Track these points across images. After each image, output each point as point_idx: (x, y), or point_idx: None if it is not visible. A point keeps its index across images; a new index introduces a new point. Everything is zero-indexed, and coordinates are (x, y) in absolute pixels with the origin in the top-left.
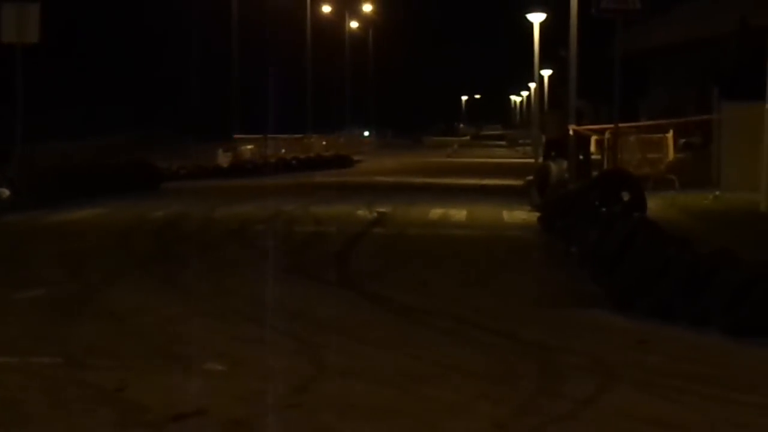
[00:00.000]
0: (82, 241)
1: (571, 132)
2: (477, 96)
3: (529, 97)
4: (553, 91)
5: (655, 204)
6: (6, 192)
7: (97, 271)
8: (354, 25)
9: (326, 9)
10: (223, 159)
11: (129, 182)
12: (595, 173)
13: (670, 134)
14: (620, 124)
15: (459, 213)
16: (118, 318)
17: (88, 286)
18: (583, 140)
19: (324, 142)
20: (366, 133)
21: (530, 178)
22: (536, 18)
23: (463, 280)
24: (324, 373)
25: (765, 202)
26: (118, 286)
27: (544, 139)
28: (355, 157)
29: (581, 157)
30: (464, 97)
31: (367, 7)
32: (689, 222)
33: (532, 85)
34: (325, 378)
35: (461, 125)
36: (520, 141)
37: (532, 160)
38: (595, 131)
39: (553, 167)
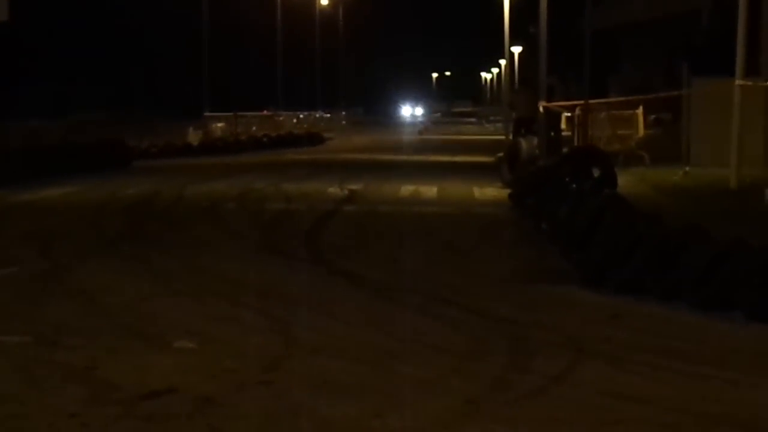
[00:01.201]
0: (51, 220)
1: (541, 109)
2: (447, 73)
3: (499, 74)
4: (523, 67)
5: (625, 180)
6: None
7: (66, 250)
8: (324, 1)
9: None
10: (194, 137)
11: (99, 161)
12: (565, 150)
13: (640, 110)
14: (590, 101)
15: (430, 190)
16: (89, 297)
17: (58, 265)
18: (553, 117)
19: (295, 120)
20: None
21: (501, 154)
22: None
23: (433, 257)
24: (295, 351)
25: (734, 178)
26: (88, 265)
27: (514, 116)
28: (326, 135)
29: (552, 133)
30: (435, 75)
31: None
32: (659, 198)
33: (503, 62)
34: (296, 355)
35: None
36: (491, 118)
37: (502, 137)
38: (565, 108)
39: (524, 144)
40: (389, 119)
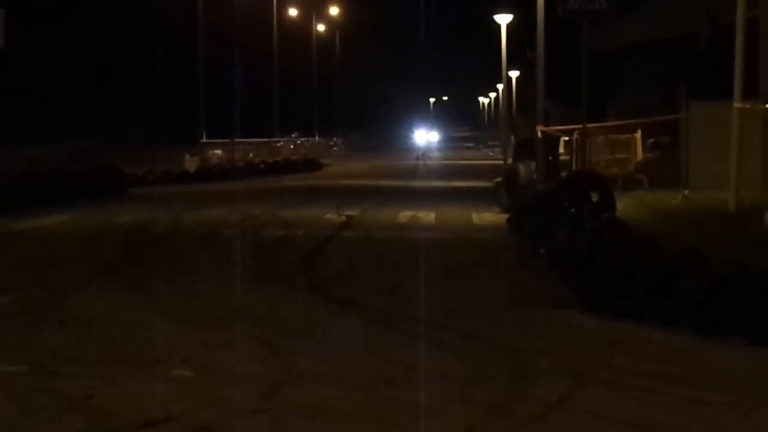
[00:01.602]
0: (48, 248)
1: (539, 133)
2: (445, 98)
3: (497, 98)
4: (521, 92)
5: (624, 204)
6: None
7: (63, 278)
8: (321, 28)
9: (293, 12)
10: (191, 164)
11: (96, 188)
12: (563, 174)
13: (638, 134)
14: (588, 125)
15: (428, 215)
16: (85, 325)
17: (55, 293)
18: (551, 141)
19: (292, 146)
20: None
21: (499, 179)
22: (503, 19)
23: (432, 283)
24: (293, 378)
25: (733, 202)
26: (85, 293)
27: (514, 141)
28: (324, 161)
29: (550, 158)
30: (432, 99)
31: (334, 10)
32: (658, 222)
33: (500, 87)
34: (294, 383)
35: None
36: (489, 142)
37: (501, 162)
38: (563, 132)
39: (522, 168)
40: (387, 145)
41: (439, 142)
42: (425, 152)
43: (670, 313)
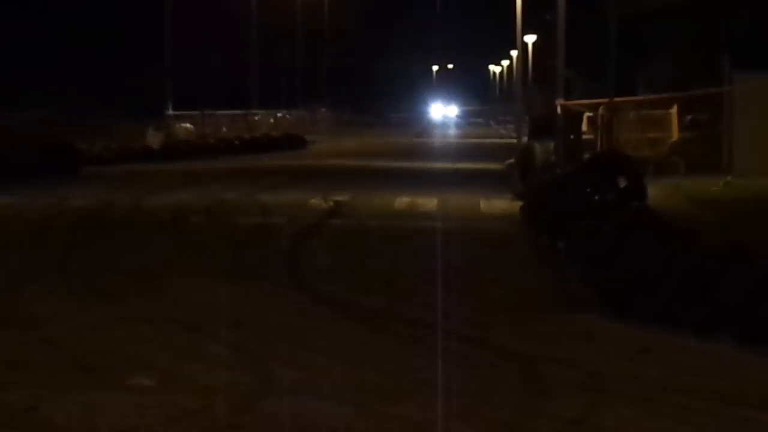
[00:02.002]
0: None
1: (558, 108)
2: (450, 66)
3: (510, 67)
4: (539, 60)
5: (656, 191)
6: None
7: (5, 271)
8: None
9: None
10: (154, 139)
11: (44, 166)
12: (586, 156)
13: (674, 110)
14: (616, 99)
15: (429, 202)
16: (30, 326)
17: None
18: (573, 117)
19: (272, 120)
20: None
21: (511, 161)
22: None
23: (432, 281)
24: (271, 390)
25: None
26: (30, 289)
27: (528, 117)
28: (309, 137)
29: (571, 136)
30: (435, 67)
31: None
32: (696, 212)
33: (514, 53)
34: (271, 395)
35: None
36: (500, 118)
37: (514, 140)
38: (587, 107)
39: (538, 149)
40: (382, 119)
41: (458, 116)
42: (426, 129)
43: (709, 318)
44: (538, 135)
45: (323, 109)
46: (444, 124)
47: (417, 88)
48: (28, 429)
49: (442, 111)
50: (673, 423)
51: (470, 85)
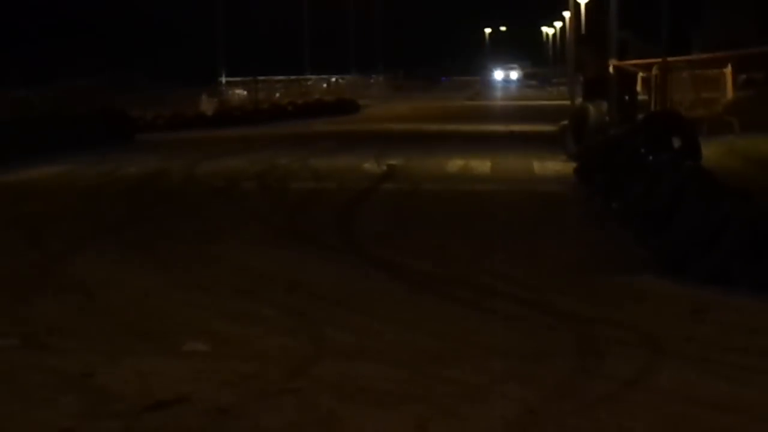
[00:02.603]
0: (42, 204)
1: (611, 68)
2: (502, 28)
3: (563, 28)
4: (592, 21)
5: (711, 151)
6: None
7: (60, 239)
8: None
9: None
10: (208, 106)
11: (97, 134)
12: (640, 116)
13: (728, 69)
14: (670, 59)
15: (482, 165)
16: (85, 292)
17: (50, 256)
18: (627, 78)
19: (325, 85)
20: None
21: (565, 122)
22: None
23: (487, 244)
24: (325, 354)
25: None
26: (85, 255)
27: (581, 78)
28: (361, 102)
29: (626, 97)
30: (488, 30)
31: None
32: (751, 171)
33: (567, 14)
34: (326, 359)
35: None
36: (554, 80)
37: (567, 102)
38: (640, 67)
39: (592, 110)
40: (434, 83)
41: (518, 80)
42: (479, 92)
43: (765, 277)
44: (592, 96)
45: (375, 76)
46: (498, 87)
47: (470, 51)
48: (83, 395)
49: (502, 75)
50: (729, 383)
51: (524, 47)
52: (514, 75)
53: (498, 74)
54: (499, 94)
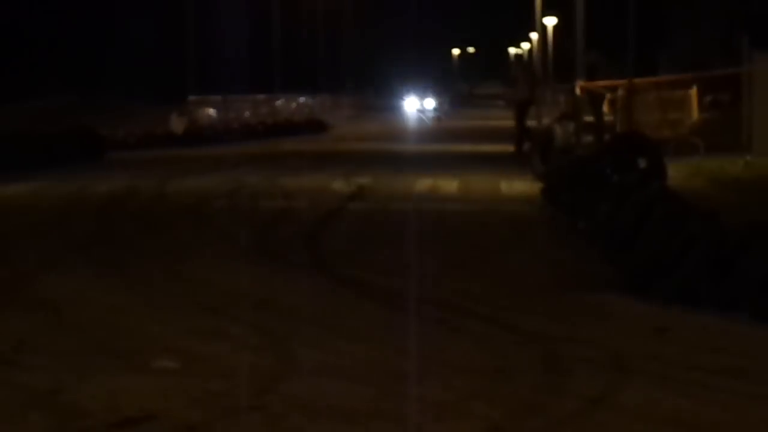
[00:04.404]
0: (11, 221)
1: (578, 90)
2: (470, 49)
3: (530, 50)
4: (559, 42)
5: (676, 172)
6: None
7: (29, 256)
8: None
9: None
10: (177, 124)
11: (67, 152)
12: (606, 137)
13: (693, 91)
14: (636, 80)
15: (450, 184)
16: (53, 309)
17: (19, 273)
18: (595, 98)
19: (294, 105)
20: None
21: (532, 143)
22: None
23: (453, 262)
24: (292, 371)
25: None
26: (54, 273)
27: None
28: (331, 122)
29: (592, 118)
30: (456, 51)
31: None
32: (716, 192)
33: (534, 36)
34: (293, 376)
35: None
36: None
37: (534, 123)
38: (606, 88)
39: (558, 130)
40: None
41: (434, 110)
42: (446, 111)
43: (729, 296)
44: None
45: (345, 96)
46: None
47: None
48: (51, 412)
49: (416, 104)
50: (693, 401)
51: (491, 68)
52: (429, 104)
53: (409, 103)
54: (467, 113)
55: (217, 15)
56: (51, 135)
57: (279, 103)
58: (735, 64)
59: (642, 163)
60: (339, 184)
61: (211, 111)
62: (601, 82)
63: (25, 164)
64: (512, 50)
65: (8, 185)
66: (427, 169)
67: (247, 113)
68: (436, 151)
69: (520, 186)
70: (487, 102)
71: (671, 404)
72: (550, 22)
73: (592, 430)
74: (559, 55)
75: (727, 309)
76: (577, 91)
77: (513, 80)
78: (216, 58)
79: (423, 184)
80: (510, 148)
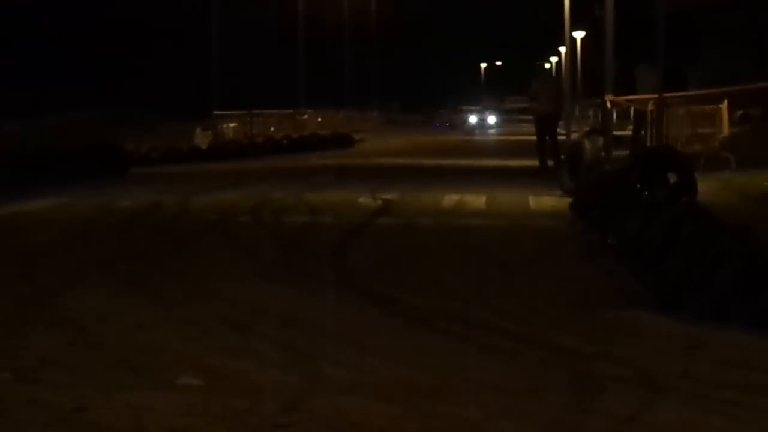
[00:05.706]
0: (35, 237)
1: (608, 103)
2: (498, 63)
3: (559, 63)
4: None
5: (707, 187)
6: None
7: (53, 272)
8: None
9: None
10: (202, 139)
11: (91, 168)
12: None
13: (724, 105)
14: (666, 94)
15: (477, 199)
16: (78, 326)
17: (43, 290)
18: (640, 114)
19: (320, 119)
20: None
21: (561, 158)
22: None
23: (482, 278)
24: (319, 389)
25: None
26: (78, 289)
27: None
28: (357, 136)
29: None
30: (484, 65)
31: None
32: (747, 207)
33: (563, 50)
34: (320, 394)
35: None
36: None
37: (563, 137)
38: (636, 102)
39: (588, 145)
40: (430, 118)
41: (496, 124)
42: (473, 127)
43: (762, 313)
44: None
45: (372, 110)
46: (489, 124)
47: (465, 86)
48: (75, 430)
49: (476, 118)
50: (726, 419)
51: (520, 81)
52: (491, 119)
53: (473, 119)
54: (493, 129)
55: (243, 30)
56: (75, 150)
57: (305, 117)
58: (765, 79)
59: (672, 178)
60: (365, 199)
61: (236, 125)
62: (630, 96)
63: (50, 179)
64: (543, 64)
65: (32, 200)
66: (454, 184)
67: (272, 128)
68: (462, 165)
69: (548, 201)
70: (516, 116)
71: (703, 422)
72: (578, 35)
73: None
74: (588, 68)
75: (758, 326)
76: (607, 104)
77: (533, 94)
78: (241, 74)
79: (450, 199)
80: (537, 163)
